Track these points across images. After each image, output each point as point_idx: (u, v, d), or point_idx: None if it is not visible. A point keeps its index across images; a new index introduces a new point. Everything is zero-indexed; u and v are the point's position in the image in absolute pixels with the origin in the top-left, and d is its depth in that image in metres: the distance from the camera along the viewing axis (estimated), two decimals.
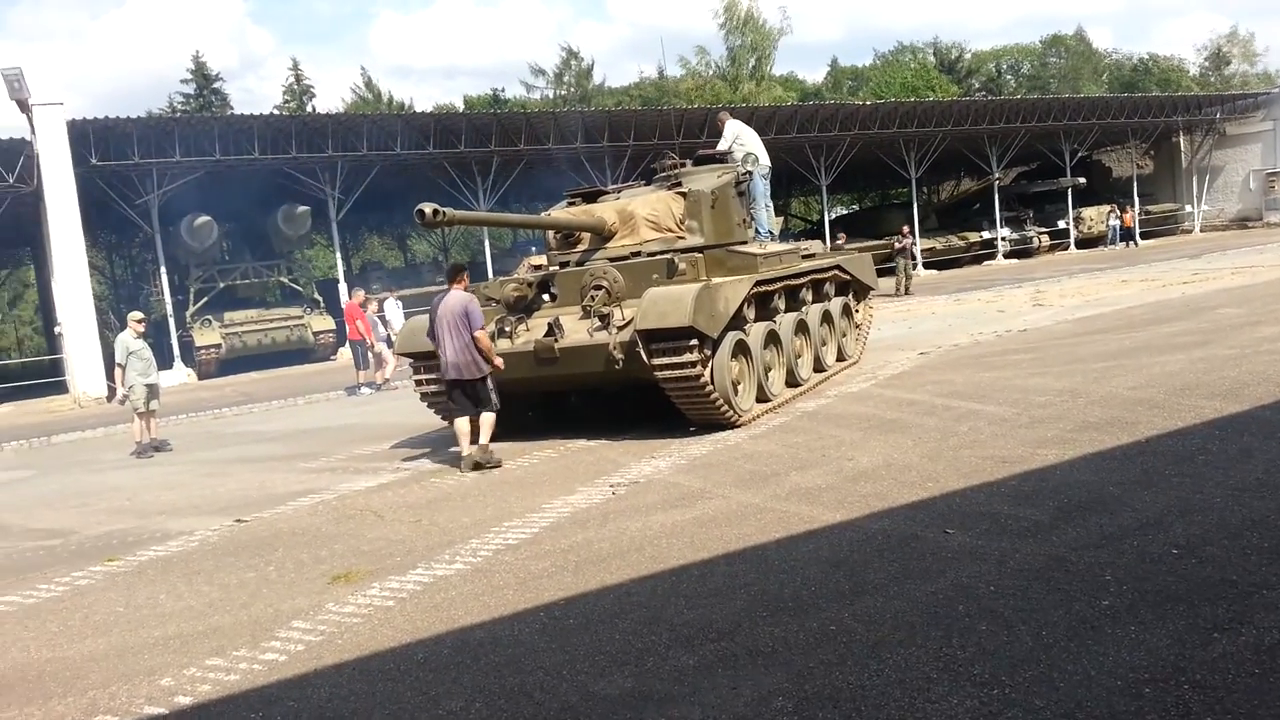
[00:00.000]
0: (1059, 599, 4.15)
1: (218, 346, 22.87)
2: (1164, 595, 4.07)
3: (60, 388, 21.99)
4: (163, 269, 23.37)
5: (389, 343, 17.17)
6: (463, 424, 8.44)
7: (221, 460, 10.89)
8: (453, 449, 9.57)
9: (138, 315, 12.28)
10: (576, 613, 4.64)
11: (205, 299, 23.87)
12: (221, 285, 24.35)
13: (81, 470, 11.41)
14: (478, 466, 8.32)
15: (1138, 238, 35.93)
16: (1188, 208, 40.88)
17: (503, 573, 5.39)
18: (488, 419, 8.39)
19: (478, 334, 8.22)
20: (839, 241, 26.75)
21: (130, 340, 11.77)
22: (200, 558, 6.56)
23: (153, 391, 11.86)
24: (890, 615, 4.18)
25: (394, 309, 19.18)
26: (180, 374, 22.48)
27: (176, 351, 22.86)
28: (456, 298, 8.32)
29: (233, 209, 26.64)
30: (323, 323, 24.33)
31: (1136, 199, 38.43)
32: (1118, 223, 36.35)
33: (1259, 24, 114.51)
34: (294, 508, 7.76)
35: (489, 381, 8.35)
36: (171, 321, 23.08)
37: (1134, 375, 9.18)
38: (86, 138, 20.37)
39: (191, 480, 9.77)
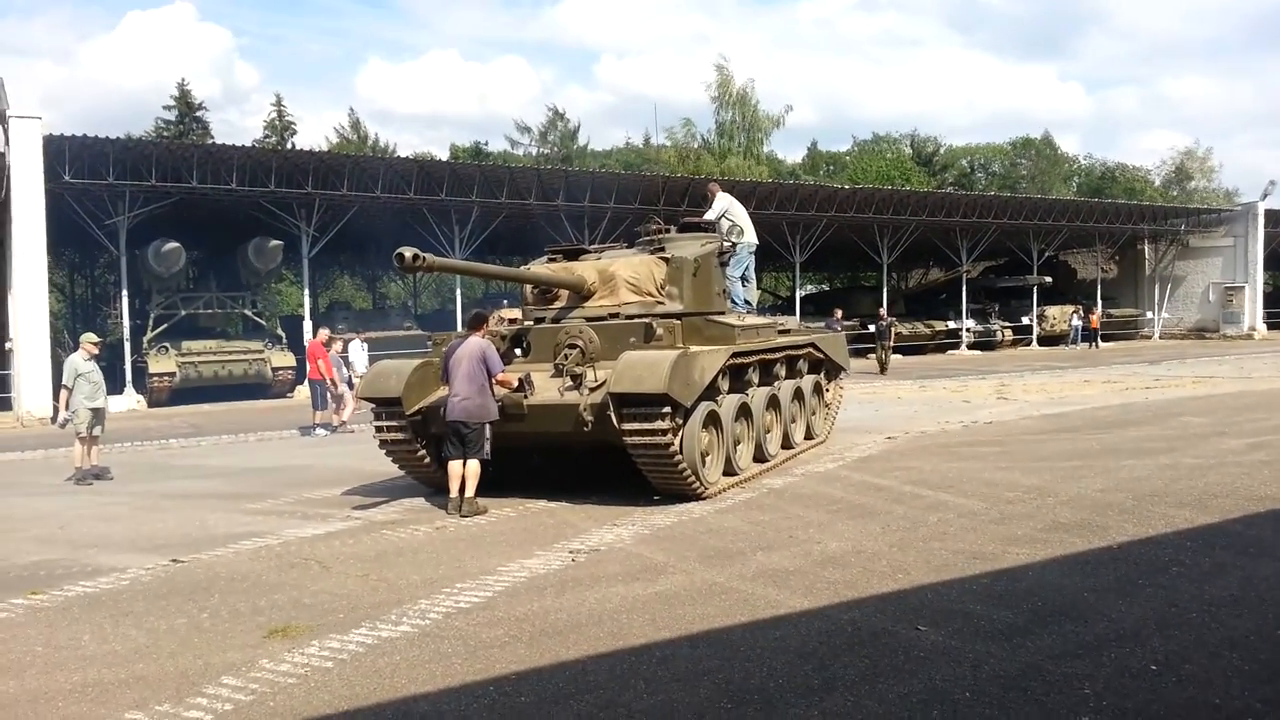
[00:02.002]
0: (1037, 712, 3.96)
1: (172, 375, 22.28)
2: (1145, 715, 3.90)
3: (4, 404, 21.25)
4: (124, 292, 22.88)
5: (350, 384, 16.82)
6: (455, 466, 8.54)
7: (163, 494, 10.44)
8: (404, 500, 9.30)
9: (92, 338, 11.89)
10: (529, 689, 4.37)
11: (165, 325, 23.33)
12: (183, 313, 23.81)
13: (15, 493, 10.89)
14: (461, 514, 8.41)
15: (1099, 340, 36.58)
16: (1148, 314, 41.86)
17: (452, 639, 5.10)
18: (474, 468, 8.50)
19: (500, 377, 8.47)
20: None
21: (80, 362, 11.36)
22: (130, 598, 6.19)
23: (97, 416, 11.42)
24: (861, 717, 3.96)
25: (358, 351, 18.83)
26: (130, 400, 21.85)
27: (129, 376, 22.27)
28: (475, 343, 8.57)
29: (203, 237, 26.35)
30: (283, 359, 23.82)
31: (1100, 301, 39.24)
32: (1081, 323, 37.03)
33: (1216, 143, 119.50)
34: (234, 551, 7.39)
35: (486, 430, 8.48)
36: (127, 346, 22.54)
37: (1102, 477, 9.13)
38: (62, 154, 20.02)
39: (129, 513, 9.33)
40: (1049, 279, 37.80)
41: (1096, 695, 4.10)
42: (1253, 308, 39.91)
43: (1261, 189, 40.45)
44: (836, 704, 4.10)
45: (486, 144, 58.51)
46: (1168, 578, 5.83)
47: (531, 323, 9.99)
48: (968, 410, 15.67)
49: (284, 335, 25.08)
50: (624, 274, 9.87)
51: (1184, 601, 5.35)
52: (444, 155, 52.99)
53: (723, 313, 10.47)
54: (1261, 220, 39.46)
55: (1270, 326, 40.82)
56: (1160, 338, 40.79)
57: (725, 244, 11.05)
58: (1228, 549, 6.46)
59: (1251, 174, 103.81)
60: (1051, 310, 38.08)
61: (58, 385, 12.23)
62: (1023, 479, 9.17)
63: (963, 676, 4.34)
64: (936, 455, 10.91)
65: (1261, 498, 8.02)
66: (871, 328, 26.57)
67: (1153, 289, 41.88)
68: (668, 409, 8.00)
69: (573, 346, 9.06)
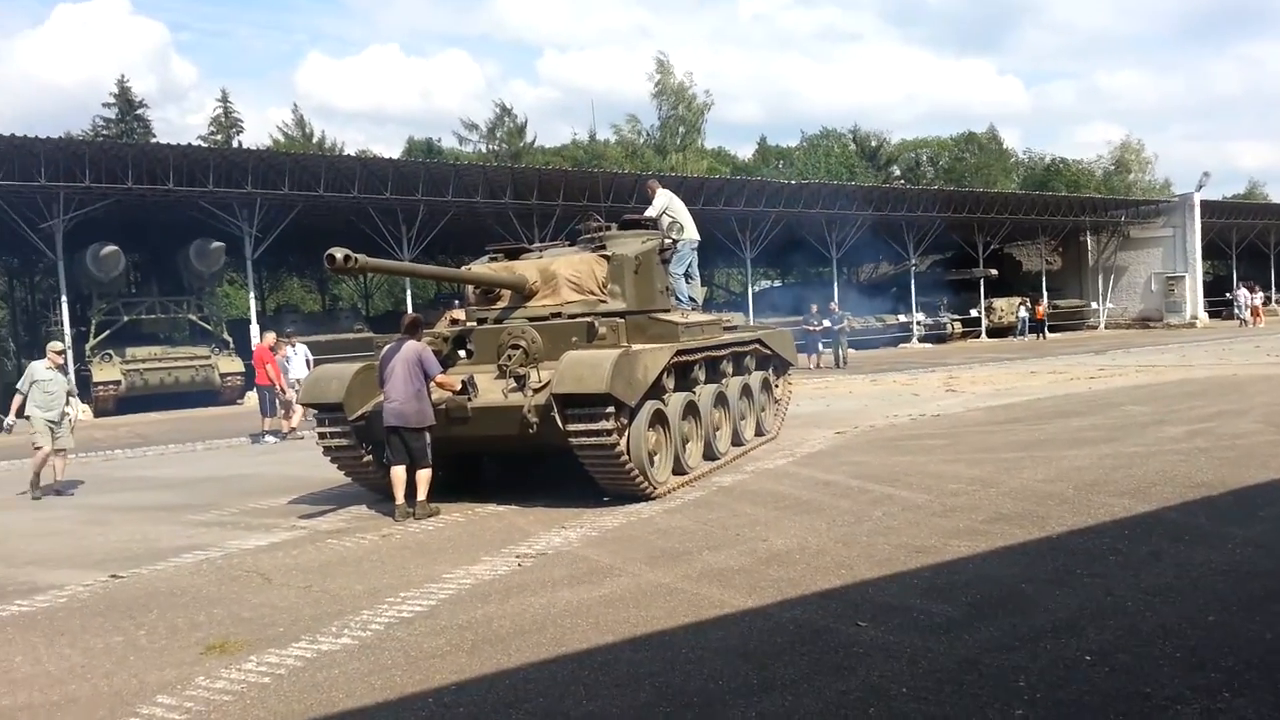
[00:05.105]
0: (972, 706, 4.01)
1: (117, 383, 21.78)
2: (1077, 707, 3.96)
3: None
4: (64, 298, 22.30)
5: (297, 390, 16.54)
6: (399, 471, 8.48)
7: (105, 507, 10.21)
8: (351, 508, 9.19)
9: (57, 346, 11.65)
10: (468, 700, 4.33)
11: (107, 332, 22.79)
12: (125, 319, 23.28)
13: None
14: (414, 517, 8.37)
15: (1046, 330, 37.24)
16: (1093, 304, 42.67)
17: (392, 650, 5.04)
18: (426, 475, 8.46)
19: (440, 378, 8.43)
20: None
21: (40, 370, 11.08)
22: (67, 616, 6.04)
23: (55, 429, 10.98)
24: (798, 716, 3.99)
25: (295, 356, 18.33)
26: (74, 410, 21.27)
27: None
28: (411, 346, 8.49)
29: (143, 240, 25.76)
30: (231, 364, 23.37)
31: (1045, 293, 39.94)
32: (1028, 314, 37.68)
33: (1151, 135, 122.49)
34: (175, 565, 7.24)
35: (426, 436, 8.41)
36: (70, 354, 21.95)
37: (1044, 468, 9.29)
38: None
39: (70, 528, 9.11)
40: (995, 271, 38.40)
41: (1031, 687, 4.17)
42: (1193, 297, 40.87)
43: (1196, 180, 41.43)
44: (775, 704, 4.12)
45: (439, 140, 58.04)
46: (1105, 567, 5.94)
47: (474, 323, 9.91)
48: (916, 403, 15.86)
49: (231, 340, 24.62)
50: (565, 273, 9.82)
51: (1120, 590, 5.46)
52: (392, 153, 52.38)
53: (666, 310, 10.47)
54: (1198, 211, 40.41)
55: (1211, 315, 41.84)
56: (1106, 328, 41.63)
57: (666, 241, 11.05)
58: (1164, 536, 6.60)
59: (1185, 165, 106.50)
60: (999, 302, 38.68)
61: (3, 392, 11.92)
62: (967, 471, 9.30)
63: (900, 673, 4.39)
64: (884, 449, 11.02)
65: (1198, 484, 8.20)
66: (827, 322, 26.74)
67: (1096, 279, 42.71)
68: (611, 409, 7.99)
69: (515, 347, 9.01)
